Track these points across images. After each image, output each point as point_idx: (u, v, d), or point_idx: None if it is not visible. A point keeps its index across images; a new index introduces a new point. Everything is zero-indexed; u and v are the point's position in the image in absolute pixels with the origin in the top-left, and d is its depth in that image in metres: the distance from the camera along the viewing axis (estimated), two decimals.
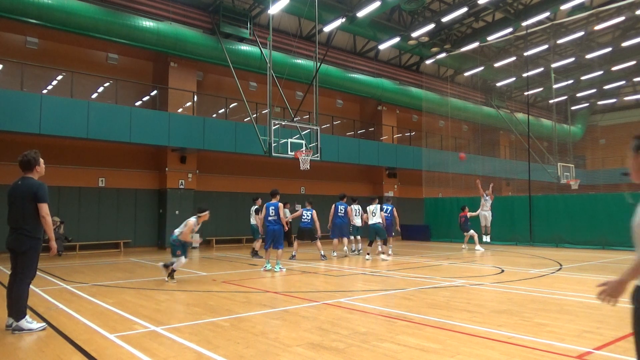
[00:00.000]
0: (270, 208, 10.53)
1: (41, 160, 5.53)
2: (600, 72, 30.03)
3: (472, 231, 16.47)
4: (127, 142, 16.20)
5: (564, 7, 20.63)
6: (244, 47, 19.45)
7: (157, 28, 17.02)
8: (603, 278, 7.77)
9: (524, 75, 24.97)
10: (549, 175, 26.52)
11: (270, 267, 10.72)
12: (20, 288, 5.25)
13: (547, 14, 21.57)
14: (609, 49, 26.94)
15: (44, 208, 5.28)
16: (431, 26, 21.54)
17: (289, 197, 14.78)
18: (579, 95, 34.52)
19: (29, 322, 5.28)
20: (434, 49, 24.79)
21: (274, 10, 16.68)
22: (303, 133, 17.09)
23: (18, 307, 5.22)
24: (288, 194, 19.27)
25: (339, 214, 14.00)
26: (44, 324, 5.46)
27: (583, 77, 31.38)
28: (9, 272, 5.46)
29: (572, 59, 28.14)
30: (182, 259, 9.16)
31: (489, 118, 30.03)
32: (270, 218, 10.53)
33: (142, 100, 19.46)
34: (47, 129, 14.29)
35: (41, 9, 14.74)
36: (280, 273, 10.39)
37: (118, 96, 17.57)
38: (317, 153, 16.53)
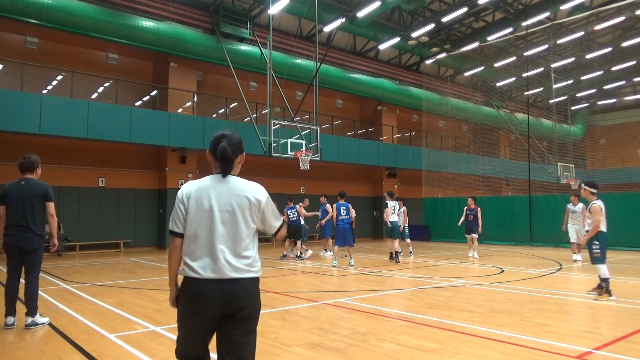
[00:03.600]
0: (342, 208, 11.73)
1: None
2: (600, 72, 30.00)
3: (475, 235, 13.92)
4: (127, 142, 16.18)
5: (564, 7, 20.60)
6: (244, 47, 19.44)
7: (157, 28, 17.02)
8: None
9: (524, 75, 24.95)
10: (549, 175, 26.51)
11: (337, 264, 11.64)
12: (34, 284, 5.47)
13: (547, 14, 21.55)
14: (609, 49, 26.92)
15: (52, 207, 5.51)
16: (431, 26, 21.53)
17: (289, 197, 14.77)
18: (579, 95, 34.50)
19: (41, 316, 5.55)
20: (434, 49, 24.78)
21: (274, 10, 16.68)
22: (303, 133, 17.09)
23: (33, 303, 5.44)
24: (288, 194, 19.25)
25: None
26: (48, 318, 5.72)
27: (583, 77, 31.36)
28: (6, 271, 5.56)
29: (572, 59, 28.12)
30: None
31: (489, 118, 30.02)
32: (341, 217, 11.70)
33: (142, 100, 19.46)
34: (47, 129, 14.28)
35: (41, 9, 14.73)
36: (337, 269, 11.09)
37: (118, 96, 17.57)
38: (317, 153, 16.53)
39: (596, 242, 7.22)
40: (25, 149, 15.01)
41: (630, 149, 33.40)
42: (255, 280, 2.47)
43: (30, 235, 5.35)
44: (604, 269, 7.17)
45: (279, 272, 10.73)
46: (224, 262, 2.36)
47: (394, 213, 12.78)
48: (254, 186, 2.51)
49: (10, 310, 5.43)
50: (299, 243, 13.86)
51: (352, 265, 11.53)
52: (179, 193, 2.51)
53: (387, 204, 12.85)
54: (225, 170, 2.51)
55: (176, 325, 2.55)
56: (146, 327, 5.42)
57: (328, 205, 14.56)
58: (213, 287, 2.35)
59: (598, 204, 7.29)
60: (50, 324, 5.55)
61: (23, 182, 5.46)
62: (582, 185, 7.69)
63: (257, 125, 17.51)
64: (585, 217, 7.93)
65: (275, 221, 2.59)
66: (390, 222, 12.60)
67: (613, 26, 25.34)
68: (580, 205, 12.29)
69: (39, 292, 5.64)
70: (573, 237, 12.69)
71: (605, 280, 7.16)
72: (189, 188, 2.50)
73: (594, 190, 7.52)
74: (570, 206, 12.82)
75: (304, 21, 21.61)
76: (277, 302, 7.01)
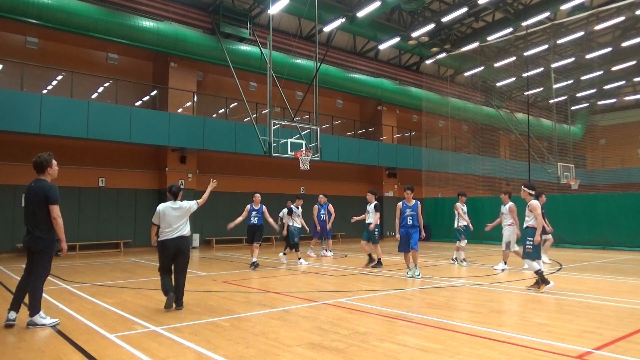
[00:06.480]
0: (408, 210, 9.71)
1: (54, 162, 5.60)
2: (600, 72, 30.02)
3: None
4: (127, 142, 16.18)
5: (564, 7, 20.61)
6: (244, 47, 19.44)
7: (157, 28, 17.01)
8: (603, 278, 7.77)
9: (524, 75, 24.96)
10: (549, 175, 26.50)
11: (412, 275, 9.72)
12: (35, 285, 5.44)
13: (547, 14, 21.56)
14: (609, 49, 26.93)
15: (55, 210, 5.36)
16: (431, 26, 21.53)
17: (289, 198, 14.78)
18: (579, 95, 34.51)
19: (43, 317, 5.48)
20: (434, 49, 24.78)
21: (274, 10, 16.68)
22: (303, 133, 17.08)
23: (33, 303, 5.41)
24: (288, 194, 19.25)
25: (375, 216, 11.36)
26: (58, 319, 5.63)
27: (583, 77, 31.37)
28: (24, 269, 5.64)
29: (572, 59, 28.13)
30: None
31: (489, 118, 30.02)
32: (407, 215, 9.70)
33: (142, 100, 19.46)
34: (47, 129, 14.28)
35: (41, 9, 14.73)
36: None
37: (118, 96, 17.56)
38: (317, 153, 16.52)
39: (530, 238, 7.67)
40: (25, 149, 15.05)
41: (630, 149, 33.38)
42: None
43: (34, 238, 5.36)
44: (533, 264, 7.62)
45: (279, 272, 10.73)
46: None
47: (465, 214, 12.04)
48: (183, 203, 6.51)
49: (15, 306, 5.47)
50: (314, 239, 14.60)
51: (417, 276, 9.56)
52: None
53: (458, 206, 12.02)
54: (175, 198, 6.48)
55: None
56: (146, 327, 5.42)
57: (330, 206, 14.57)
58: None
59: (535, 201, 7.78)
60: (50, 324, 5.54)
61: (32, 184, 5.46)
62: (522, 187, 8.10)
63: (257, 125, 17.51)
64: (525, 215, 7.97)
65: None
66: (463, 226, 11.89)
67: (613, 26, 25.35)
68: (510, 204, 10.78)
69: None
70: (504, 244, 10.81)
71: (538, 272, 7.62)
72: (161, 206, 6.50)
73: (532, 192, 7.99)
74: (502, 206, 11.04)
75: (304, 21, 21.61)
76: (277, 302, 7.01)
